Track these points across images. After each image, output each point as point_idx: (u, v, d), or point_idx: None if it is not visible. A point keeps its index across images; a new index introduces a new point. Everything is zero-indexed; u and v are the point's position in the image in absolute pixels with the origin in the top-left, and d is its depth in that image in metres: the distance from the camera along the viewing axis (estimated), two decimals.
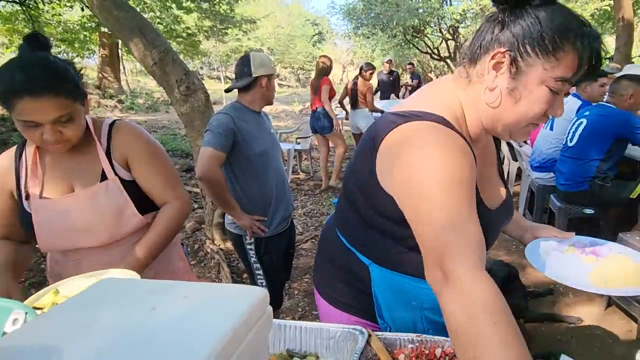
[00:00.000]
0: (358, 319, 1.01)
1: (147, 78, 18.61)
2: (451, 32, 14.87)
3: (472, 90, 0.83)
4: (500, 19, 0.78)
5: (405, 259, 0.91)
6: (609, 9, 11.37)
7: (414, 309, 0.94)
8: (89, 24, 11.14)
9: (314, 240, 3.83)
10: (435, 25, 15.31)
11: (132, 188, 1.22)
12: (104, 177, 1.19)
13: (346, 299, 1.04)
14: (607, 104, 2.96)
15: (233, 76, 2.35)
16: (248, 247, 2.03)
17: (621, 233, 2.41)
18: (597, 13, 14.08)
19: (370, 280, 0.96)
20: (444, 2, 14.25)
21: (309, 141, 6.35)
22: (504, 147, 4.51)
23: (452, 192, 0.70)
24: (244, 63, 2.00)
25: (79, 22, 11.26)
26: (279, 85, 27.13)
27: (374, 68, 6.11)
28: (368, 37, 16.10)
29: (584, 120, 2.95)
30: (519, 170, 4.33)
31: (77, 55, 12.53)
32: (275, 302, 2.17)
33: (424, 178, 0.71)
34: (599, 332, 2.37)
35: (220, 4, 12.24)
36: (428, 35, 15.84)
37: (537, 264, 0.98)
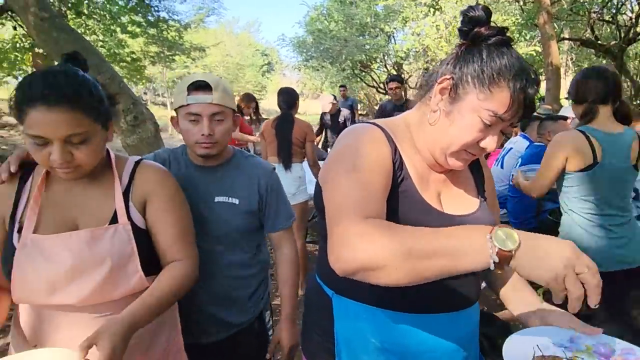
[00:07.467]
0: None
1: None
2: (396, 68, 15.62)
3: (421, 111, 0.91)
4: (457, 52, 0.86)
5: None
6: (534, 54, 12.53)
7: (374, 353, 0.88)
8: (22, 44, 10.34)
9: None
10: (381, 61, 16.04)
11: (142, 239, 1.05)
12: (114, 220, 1.02)
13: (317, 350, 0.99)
14: (539, 143, 3.09)
15: None
16: None
17: None
18: (525, 57, 15.46)
19: (333, 317, 0.92)
20: (390, 40, 15.01)
21: None
22: None
23: (356, 176, 0.78)
24: None
25: (10, 41, 10.44)
26: None
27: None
28: (317, 70, 16.51)
29: (519, 160, 3.08)
30: None
31: (8, 75, 11.56)
32: None
33: (334, 166, 0.83)
34: None
35: (169, 31, 11.94)
36: (374, 70, 16.52)
37: None
